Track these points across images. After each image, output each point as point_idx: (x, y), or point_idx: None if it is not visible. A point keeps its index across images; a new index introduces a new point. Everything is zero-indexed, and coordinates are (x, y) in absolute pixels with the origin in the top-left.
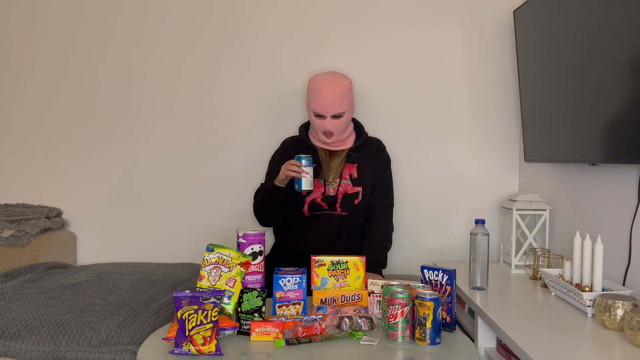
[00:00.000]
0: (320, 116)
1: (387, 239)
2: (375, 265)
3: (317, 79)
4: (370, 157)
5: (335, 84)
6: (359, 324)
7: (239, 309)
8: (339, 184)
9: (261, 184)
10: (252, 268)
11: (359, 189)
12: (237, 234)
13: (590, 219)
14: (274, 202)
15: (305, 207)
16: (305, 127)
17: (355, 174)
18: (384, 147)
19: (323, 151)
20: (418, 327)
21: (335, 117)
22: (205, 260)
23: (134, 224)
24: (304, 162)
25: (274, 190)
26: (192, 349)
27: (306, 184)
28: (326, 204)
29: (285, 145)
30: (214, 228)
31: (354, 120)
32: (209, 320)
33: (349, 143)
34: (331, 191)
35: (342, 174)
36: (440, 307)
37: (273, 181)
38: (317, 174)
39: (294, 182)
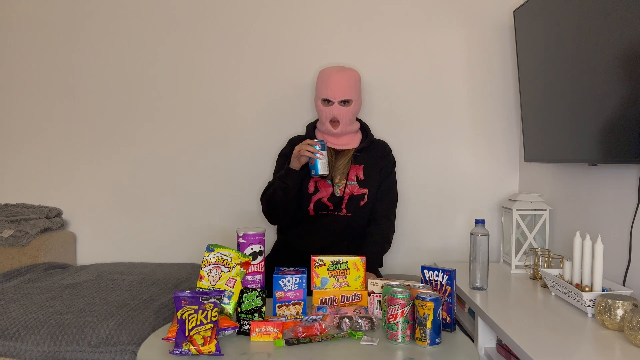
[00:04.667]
0: (328, 102)
1: (385, 240)
2: (370, 264)
3: (326, 68)
4: (376, 159)
5: (344, 73)
6: (359, 324)
7: (239, 309)
8: (346, 185)
9: (269, 182)
10: (252, 268)
11: (365, 190)
12: (237, 234)
13: (590, 219)
14: (287, 190)
15: (311, 205)
16: (312, 127)
17: (361, 176)
18: (389, 150)
19: (330, 150)
20: (418, 327)
21: (342, 103)
22: (205, 260)
23: (134, 224)
24: (317, 147)
25: (289, 174)
26: (192, 349)
27: (322, 167)
28: (332, 204)
29: (293, 141)
30: (214, 228)
31: (361, 122)
32: (209, 320)
33: (355, 143)
34: (338, 192)
35: (349, 175)
36: (440, 307)
37: (287, 166)
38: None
39: (309, 169)
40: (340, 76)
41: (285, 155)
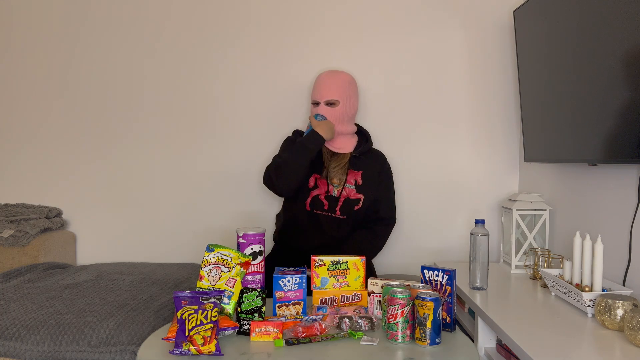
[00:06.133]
0: (316, 103)
1: (371, 250)
2: (350, 247)
3: (320, 73)
4: (375, 167)
5: (334, 75)
6: (359, 324)
7: (239, 309)
8: (343, 188)
9: (275, 156)
10: (252, 268)
11: (361, 196)
12: (237, 234)
13: (590, 219)
14: (311, 152)
15: (309, 199)
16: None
17: (360, 181)
18: (385, 158)
19: (326, 150)
20: (418, 327)
21: (328, 104)
22: (205, 260)
23: (134, 224)
24: (319, 118)
25: (316, 137)
26: (192, 349)
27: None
28: (327, 202)
29: (298, 132)
30: (214, 228)
31: (360, 128)
32: (209, 320)
33: (349, 147)
34: (335, 192)
35: (347, 178)
36: (440, 307)
37: (313, 130)
38: (320, 172)
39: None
40: (327, 78)
41: (292, 141)
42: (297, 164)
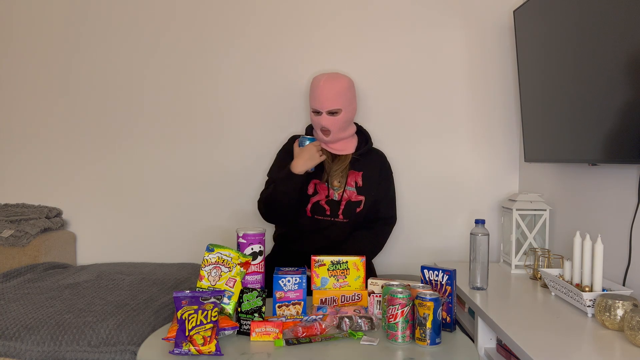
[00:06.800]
0: (317, 112)
1: (371, 250)
2: (350, 246)
3: (317, 76)
4: (375, 168)
5: (333, 81)
6: (359, 324)
7: (239, 309)
8: (344, 190)
9: (266, 182)
10: (252, 268)
11: (362, 198)
12: (237, 234)
13: (590, 219)
14: (290, 193)
15: (309, 206)
16: (311, 128)
17: (360, 182)
18: (384, 157)
19: (328, 154)
20: (418, 327)
21: (330, 113)
22: (205, 260)
23: (134, 224)
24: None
25: (292, 177)
26: (192, 349)
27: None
28: (329, 208)
29: (295, 139)
30: (214, 228)
31: (360, 128)
32: (209, 320)
33: (351, 148)
34: (335, 196)
35: (348, 180)
36: (440, 307)
37: (289, 169)
38: (320, 176)
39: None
40: (327, 86)
41: (287, 152)
42: (283, 205)
